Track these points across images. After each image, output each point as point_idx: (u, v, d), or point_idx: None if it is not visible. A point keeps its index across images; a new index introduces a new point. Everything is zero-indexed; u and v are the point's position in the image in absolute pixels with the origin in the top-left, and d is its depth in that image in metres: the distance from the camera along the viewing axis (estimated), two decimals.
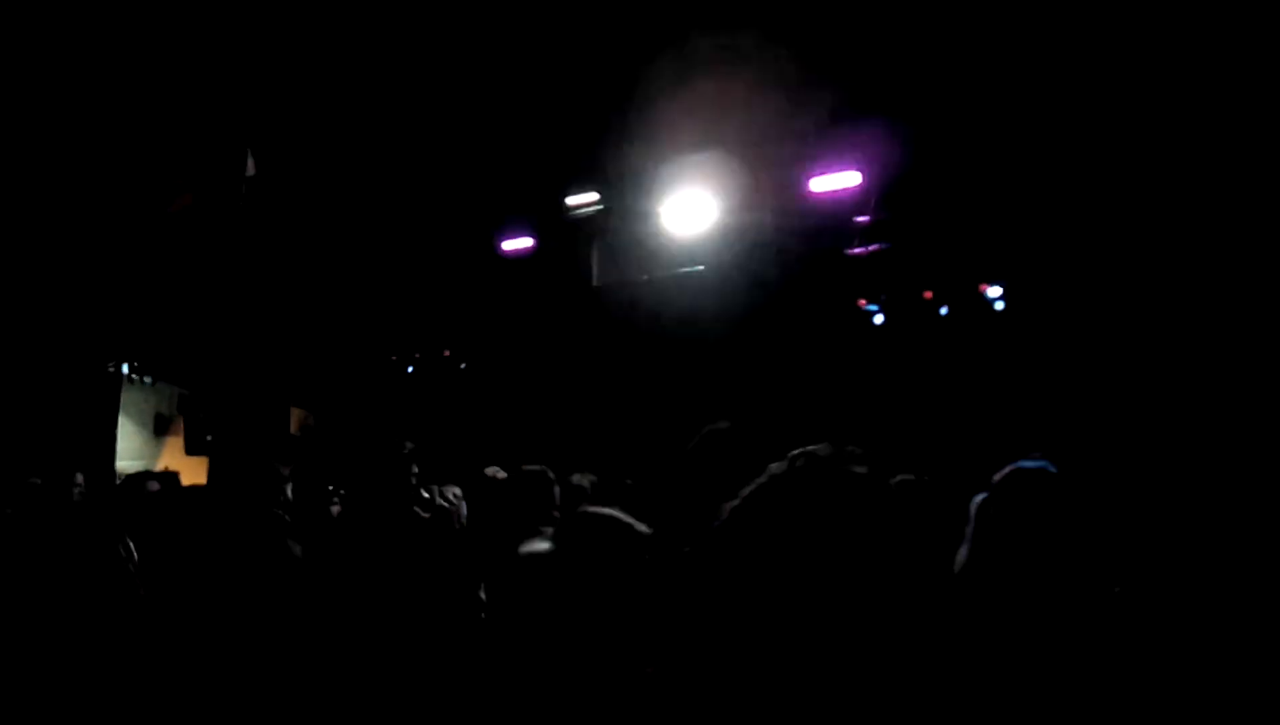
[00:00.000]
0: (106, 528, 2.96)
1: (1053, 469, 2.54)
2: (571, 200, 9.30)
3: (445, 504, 3.61)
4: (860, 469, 1.24)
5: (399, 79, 7.86)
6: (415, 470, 3.43)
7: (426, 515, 3.51)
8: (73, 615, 2.77)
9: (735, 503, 1.26)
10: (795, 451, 1.29)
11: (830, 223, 8.62)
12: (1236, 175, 7.02)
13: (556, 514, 4.02)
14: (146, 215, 9.25)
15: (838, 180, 8.35)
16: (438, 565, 3.28)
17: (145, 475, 5.08)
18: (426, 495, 3.58)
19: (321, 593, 3.00)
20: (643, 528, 1.94)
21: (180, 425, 11.76)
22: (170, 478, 5.12)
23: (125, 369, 11.24)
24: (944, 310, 8.74)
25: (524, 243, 9.82)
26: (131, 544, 2.99)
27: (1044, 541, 2.41)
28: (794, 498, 1.21)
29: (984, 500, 2.59)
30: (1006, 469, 2.58)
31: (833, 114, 8.00)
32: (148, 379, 11.46)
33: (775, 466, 1.27)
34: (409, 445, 3.63)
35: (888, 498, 1.23)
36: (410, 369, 12.02)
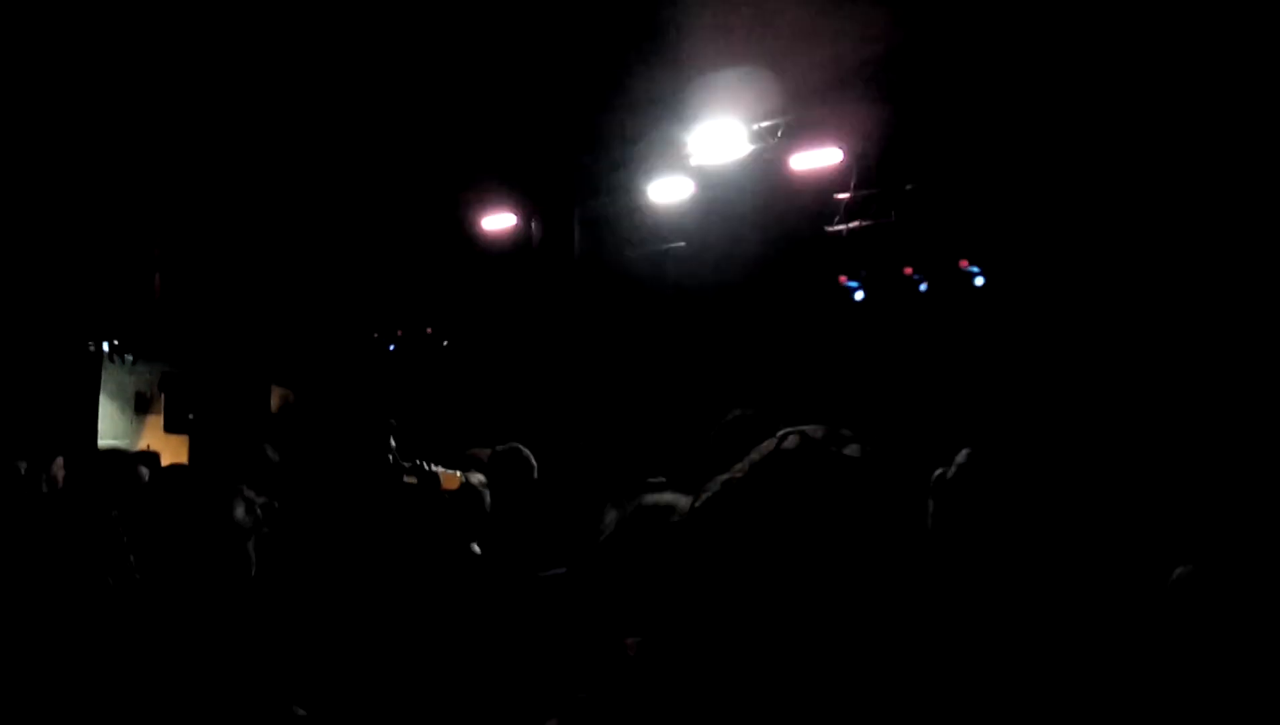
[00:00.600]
0: (96, 510, 2.95)
1: (1012, 450, 2.56)
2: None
3: (434, 472, 3.63)
4: (853, 452, 1.17)
5: (376, 54, 7.81)
6: (393, 445, 3.45)
7: (412, 480, 3.54)
8: (65, 601, 2.77)
9: (724, 478, 1.21)
10: (785, 430, 1.23)
11: (811, 199, 8.65)
12: (1216, 157, 7.06)
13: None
14: (126, 196, 9.19)
15: (819, 157, 8.37)
16: (422, 537, 3.31)
17: (123, 454, 5.07)
18: (409, 466, 3.61)
19: (308, 573, 3.01)
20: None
21: (160, 404, 11.72)
22: (151, 457, 5.11)
23: (105, 348, 11.18)
24: (924, 286, 8.77)
25: (506, 220, 9.81)
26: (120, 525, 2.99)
27: (1004, 519, 2.43)
28: (780, 480, 1.16)
29: (940, 476, 2.61)
30: (966, 449, 2.60)
31: (815, 90, 8.01)
32: (128, 358, 11.40)
33: (764, 445, 1.22)
34: (390, 421, 3.64)
35: (881, 484, 1.18)
36: (392, 347, 11.99)
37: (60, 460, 5.59)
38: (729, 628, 1.09)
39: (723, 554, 1.14)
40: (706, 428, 2.99)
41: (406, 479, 3.49)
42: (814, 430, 1.22)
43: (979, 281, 8.59)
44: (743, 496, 1.16)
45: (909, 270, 8.81)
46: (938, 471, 2.59)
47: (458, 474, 3.69)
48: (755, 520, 1.14)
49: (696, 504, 1.22)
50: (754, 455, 1.21)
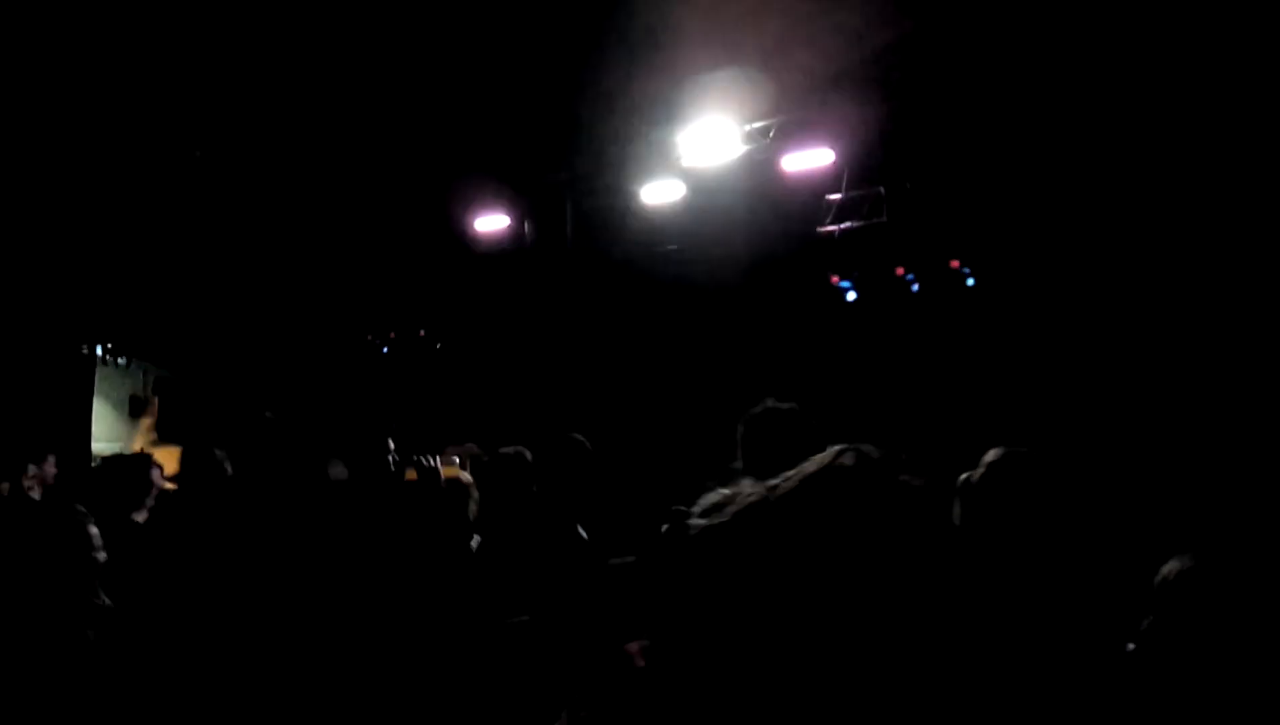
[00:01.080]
0: (71, 516, 2.95)
1: (1026, 452, 2.57)
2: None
3: (434, 466, 3.67)
4: (913, 480, 1.14)
5: (368, 53, 7.82)
6: (393, 446, 3.48)
7: (413, 475, 3.57)
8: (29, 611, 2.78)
9: (772, 486, 1.15)
10: (841, 447, 1.18)
11: (803, 200, 8.68)
12: (1209, 153, 7.09)
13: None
14: (118, 195, 9.19)
15: (811, 158, 8.40)
16: (428, 535, 3.34)
17: (121, 458, 5.08)
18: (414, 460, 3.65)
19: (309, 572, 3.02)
20: None
21: (155, 407, 11.71)
22: (144, 460, 5.12)
23: (100, 351, 11.17)
24: (915, 286, 8.81)
25: (499, 221, 9.82)
26: (95, 531, 2.99)
27: (1035, 522, 2.44)
28: (836, 497, 1.10)
29: (966, 480, 2.62)
30: (996, 451, 2.61)
31: (806, 91, 8.04)
32: (121, 360, 11.39)
33: (818, 458, 1.16)
34: (388, 426, 3.67)
35: (939, 517, 1.14)
36: (385, 349, 12.01)
37: (51, 459, 5.59)
38: (766, 638, 1.06)
39: (767, 566, 1.09)
40: (734, 419, 2.94)
41: (408, 475, 3.53)
42: (870, 449, 1.17)
43: (970, 282, 8.64)
44: (794, 508, 1.11)
45: (900, 271, 8.86)
46: (963, 476, 2.61)
47: (455, 461, 3.75)
48: (807, 534, 1.09)
49: (740, 510, 1.15)
50: (807, 467, 1.15)
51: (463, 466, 4.30)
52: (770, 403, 2.90)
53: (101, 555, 2.97)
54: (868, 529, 1.07)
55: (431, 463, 3.56)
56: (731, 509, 1.15)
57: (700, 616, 1.13)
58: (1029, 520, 2.46)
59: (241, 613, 2.47)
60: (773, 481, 1.15)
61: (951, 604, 1.12)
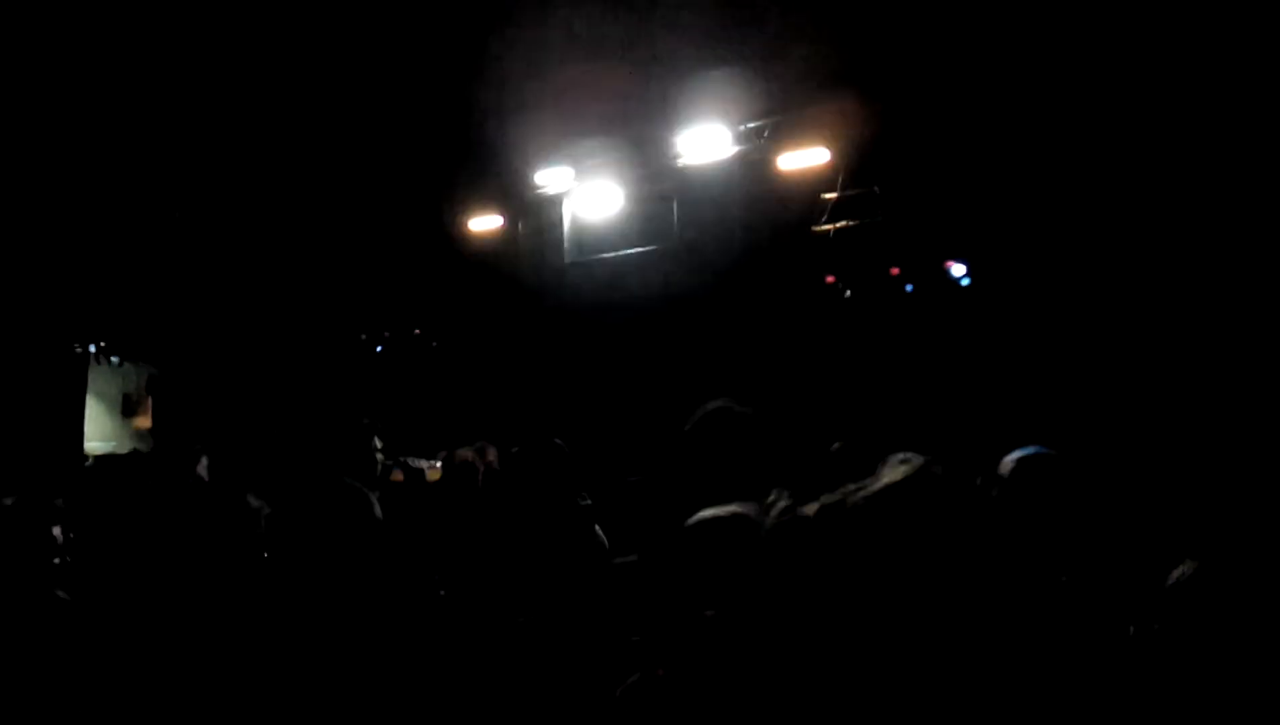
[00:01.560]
0: (34, 516, 2.93)
1: (1052, 454, 2.55)
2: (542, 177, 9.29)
3: (419, 468, 3.65)
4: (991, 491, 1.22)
5: (363, 55, 7.82)
6: (379, 444, 3.47)
7: (399, 477, 3.56)
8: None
9: (857, 491, 1.18)
10: (905, 455, 1.23)
11: (798, 199, 8.67)
12: (1206, 151, 7.09)
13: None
14: (111, 198, 9.18)
15: (806, 157, 8.39)
16: (409, 534, 3.32)
17: (114, 458, 5.08)
18: (393, 463, 3.63)
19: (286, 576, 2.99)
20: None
21: (148, 406, 11.69)
22: (139, 458, 5.11)
23: (92, 349, 11.14)
24: (909, 286, 8.80)
25: (493, 221, 9.81)
26: (55, 531, 2.98)
27: (1061, 527, 2.42)
28: (928, 502, 1.15)
29: (984, 485, 2.60)
30: (1014, 457, 2.59)
31: (801, 90, 8.04)
32: (114, 359, 11.36)
33: (895, 467, 1.21)
34: (367, 421, 3.66)
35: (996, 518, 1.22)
36: (380, 348, 11.97)
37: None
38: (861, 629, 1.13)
39: (865, 557, 1.14)
40: (682, 420, 2.91)
41: (394, 477, 3.52)
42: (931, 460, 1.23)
43: (965, 282, 8.62)
44: (887, 512, 1.15)
45: (895, 270, 8.84)
46: (979, 480, 2.59)
47: (438, 466, 3.73)
48: (901, 536, 1.13)
49: (827, 513, 1.20)
50: (888, 475, 1.20)
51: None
52: (721, 402, 2.84)
53: (58, 556, 2.97)
54: (958, 528, 1.15)
55: (415, 464, 3.55)
56: (825, 512, 1.21)
57: (802, 598, 1.20)
58: (1056, 522, 2.45)
59: (226, 613, 2.45)
60: (857, 485, 1.21)
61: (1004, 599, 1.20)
